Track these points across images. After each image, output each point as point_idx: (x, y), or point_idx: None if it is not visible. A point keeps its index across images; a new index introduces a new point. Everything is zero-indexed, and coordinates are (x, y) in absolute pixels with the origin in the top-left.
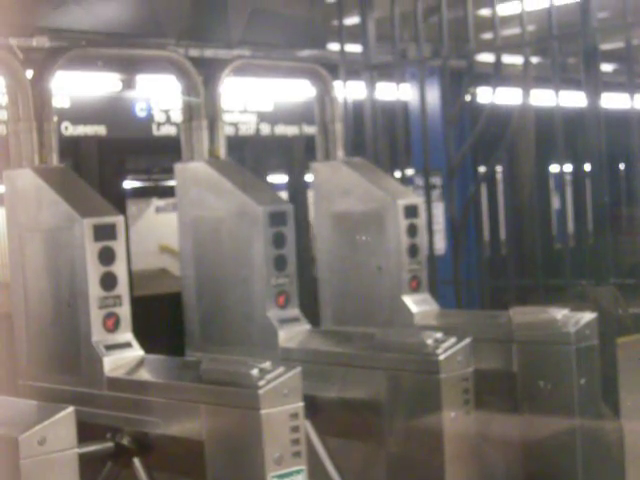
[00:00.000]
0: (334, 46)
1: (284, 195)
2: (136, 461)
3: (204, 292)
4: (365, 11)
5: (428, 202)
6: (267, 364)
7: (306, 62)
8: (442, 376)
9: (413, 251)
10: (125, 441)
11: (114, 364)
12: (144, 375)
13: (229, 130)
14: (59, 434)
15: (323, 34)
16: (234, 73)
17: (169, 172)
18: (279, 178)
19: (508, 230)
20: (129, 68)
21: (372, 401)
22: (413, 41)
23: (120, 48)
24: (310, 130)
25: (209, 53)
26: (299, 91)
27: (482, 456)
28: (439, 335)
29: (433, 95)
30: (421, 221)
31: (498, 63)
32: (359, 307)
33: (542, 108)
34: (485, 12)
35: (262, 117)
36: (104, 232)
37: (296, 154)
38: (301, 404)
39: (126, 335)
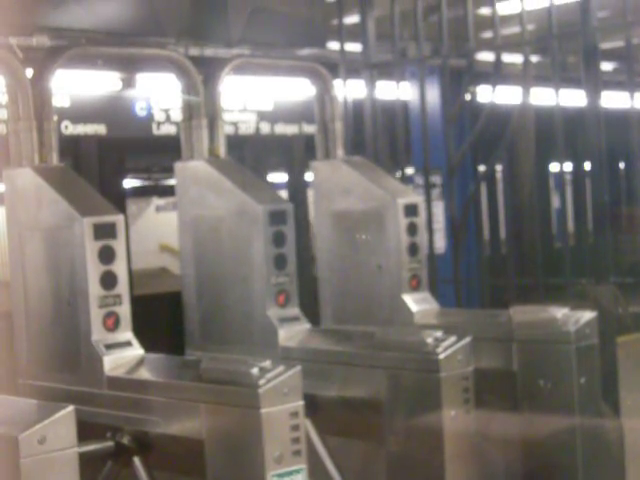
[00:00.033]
0: (334, 45)
1: (284, 194)
2: (136, 460)
3: (204, 291)
4: (365, 10)
5: (428, 201)
6: (267, 363)
7: (306, 61)
8: (442, 375)
9: (413, 250)
10: (125, 440)
11: (114, 363)
12: (144, 374)
13: (229, 129)
14: (59, 433)
15: (323, 33)
16: (234, 72)
17: (169, 171)
18: (279, 177)
19: (508, 229)
20: (129, 67)
21: (372, 400)
22: (413, 40)
23: (120, 47)
24: (310, 129)
25: (209, 52)
26: (299, 90)
27: (482, 455)
28: (439, 334)
29: (433, 94)
30: (421, 220)
31: (498, 62)
32: (359, 306)
33: (542, 107)
34: (485, 11)
35: (262, 116)
36: (104, 231)
37: (296, 153)
38: (301, 403)
39: (126, 334)
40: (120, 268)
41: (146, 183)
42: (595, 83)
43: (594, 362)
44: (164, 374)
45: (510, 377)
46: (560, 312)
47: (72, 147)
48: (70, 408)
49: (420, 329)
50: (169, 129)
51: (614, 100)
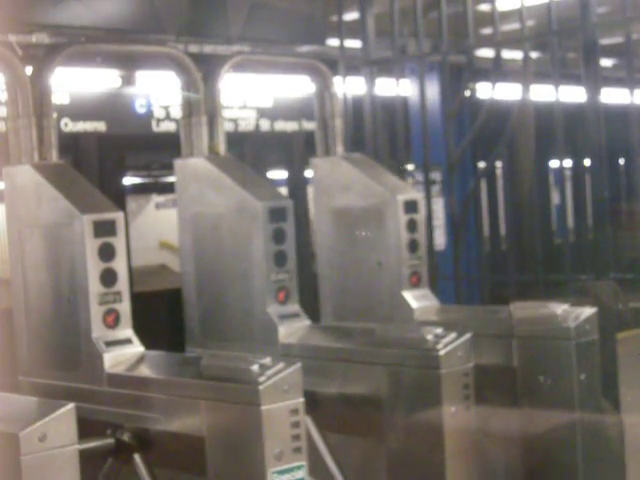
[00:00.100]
0: (334, 42)
1: (284, 191)
2: (137, 457)
3: (204, 288)
4: (364, 6)
5: (428, 197)
6: (267, 360)
7: (306, 58)
8: (442, 371)
9: (413, 246)
10: (125, 437)
11: (114, 360)
12: (144, 371)
13: (229, 126)
14: (60, 430)
15: (323, 30)
16: (233, 69)
17: (169, 168)
18: (279, 174)
19: (508, 225)
20: (128, 64)
21: (372, 397)
22: (413, 36)
23: (119, 44)
24: (310, 126)
25: (208, 49)
26: (299, 87)
27: (482, 451)
28: (439, 330)
29: (433, 90)
30: (421, 216)
31: (498, 58)
32: (359, 303)
33: (542, 103)
34: (484, 7)
35: (262, 113)
36: (104, 228)
37: (296, 150)
38: (301, 400)
39: (126, 331)
40: (120, 265)
41: (146, 180)
42: (595, 79)
43: (594, 358)
44: (164, 371)
45: (510, 373)
46: (560, 308)
47: (72, 144)
48: (70, 405)
49: (420, 326)
50: (169, 126)
51: (614, 96)
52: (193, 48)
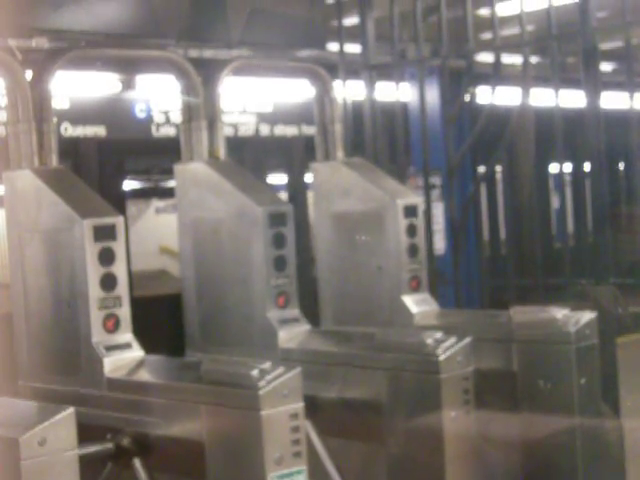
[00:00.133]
0: (333, 46)
1: (284, 196)
2: (136, 462)
3: (204, 293)
4: (364, 11)
5: (428, 202)
6: (267, 365)
7: (305, 62)
8: (442, 376)
9: (413, 251)
10: (125, 442)
11: (114, 365)
12: (144, 376)
13: (228, 131)
14: (59, 435)
15: (322, 34)
16: (233, 73)
17: (169, 173)
18: (279, 179)
19: (508, 230)
20: (128, 69)
21: (372, 401)
22: (412, 41)
23: (119, 49)
24: (310, 130)
25: (208, 53)
26: (298, 91)
27: (482, 456)
28: (439, 335)
29: (432, 95)
30: (420, 221)
31: (497, 63)
32: (359, 307)
33: (541, 108)
34: (484, 12)
35: (261, 117)
36: (104, 233)
37: (295, 154)
38: (301, 404)
39: (126, 336)
40: (120, 270)
41: (146, 185)
42: (594, 84)
43: (594, 363)
44: (164, 376)
45: (510, 378)
46: (560, 312)
47: (72, 149)
48: (70, 410)
49: (420, 330)
50: (169, 131)
51: (614, 101)
52: (193, 53)
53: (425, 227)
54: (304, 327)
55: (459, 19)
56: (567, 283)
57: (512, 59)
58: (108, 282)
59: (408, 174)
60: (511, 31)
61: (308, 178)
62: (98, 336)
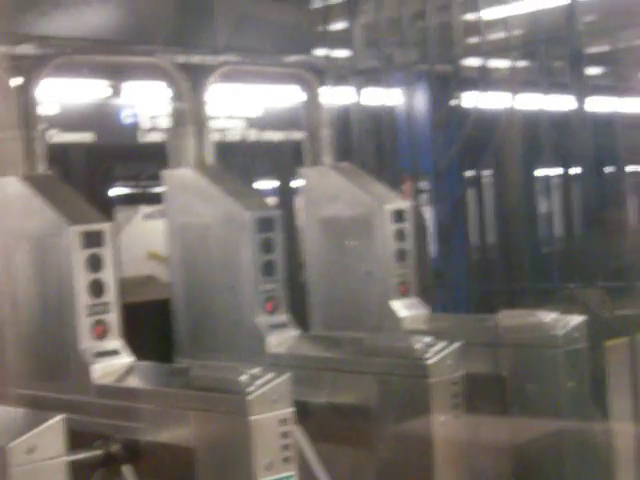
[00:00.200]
0: (321, 52)
1: (272, 201)
2: (126, 468)
3: (193, 299)
4: (352, 16)
5: (417, 206)
6: (256, 370)
7: (293, 68)
8: (431, 380)
9: (401, 256)
10: (115, 448)
11: (103, 371)
12: (133, 382)
13: (216, 136)
14: (48, 442)
15: (310, 40)
16: (221, 79)
17: (157, 179)
18: (267, 184)
19: (496, 233)
20: (116, 75)
21: (362, 406)
22: (400, 46)
23: (106, 55)
24: (298, 136)
25: (196, 59)
26: (286, 97)
27: (472, 460)
28: (428, 339)
29: (420, 100)
30: (409, 226)
31: (484, 67)
32: (348, 312)
33: (529, 112)
34: (471, 17)
35: (249, 123)
36: (92, 239)
37: (284, 160)
38: (291, 410)
39: (115, 342)
40: (108, 276)
41: (134, 191)
42: (581, 87)
43: (583, 366)
44: (153, 382)
45: (499, 382)
46: (548, 316)
47: (59, 155)
48: (59, 417)
49: (409, 335)
50: (156, 137)
51: (601, 104)
52: (180, 58)
53: (419, 231)
54: (293, 332)
55: (446, 24)
56: (555, 287)
57: (499, 63)
58: (96, 288)
59: (402, 179)
60: (498, 35)
61: (296, 183)
62: (87, 342)
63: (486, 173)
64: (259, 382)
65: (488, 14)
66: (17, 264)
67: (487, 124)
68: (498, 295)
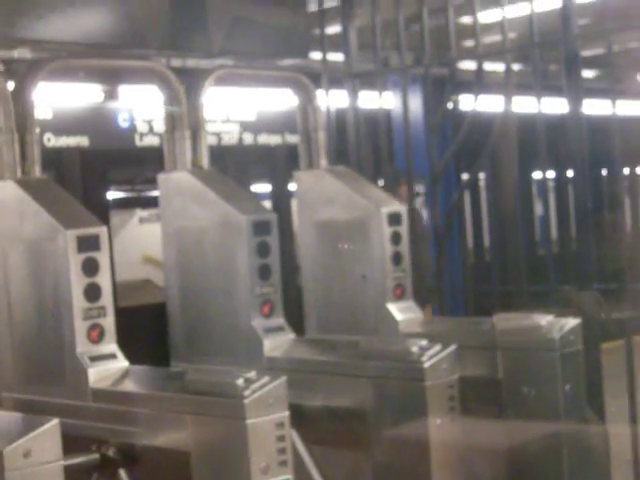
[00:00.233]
0: (316, 55)
1: (268, 204)
2: (122, 472)
3: (188, 302)
4: (347, 20)
5: (412, 210)
6: (252, 374)
7: (288, 71)
8: (427, 384)
9: (397, 259)
10: (111, 452)
11: (99, 375)
12: (129, 386)
13: (212, 140)
14: (44, 446)
15: (305, 43)
16: (216, 83)
17: (152, 182)
18: (262, 187)
19: (492, 236)
20: (111, 79)
21: (357, 409)
22: (395, 49)
23: (102, 59)
24: (293, 139)
25: (191, 63)
26: (282, 100)
27: (468, 463)
28: (424, 343)
29: (415, 103)
30: (405, 229)
31: (480, 70)
32: (344, 315)
33: (524, 115)
34: (466, 20)
35: (245, 126)
36: (88, 243)
37: (279, 163)
38: (287, 413)
39: (111, 346)
40: (104, 280)
41: (129, 195)
42: (577, 90)
43: (579, 369)
44: (149, 386)
45: (495, 385)
46: (544, 319)
47: (55, 159)
48: (55, 421)
49: (405, 338)
50: (152, 140)
51: (596, 107)
52: (175, 62)
53: (420, 233)
54: (289, 336)
55: (441, 27)
56: (551, 289)
57: (495, 66)
58: (92, 292)
59: (400, 182)
60: (493, 38)
61: (292, 186)
62: (82, 346)
63: (482, 176)
64: (255, 386)
65: (484, 17)
66: (12, 268)
67: (483, 127)
68: (494, 298)
